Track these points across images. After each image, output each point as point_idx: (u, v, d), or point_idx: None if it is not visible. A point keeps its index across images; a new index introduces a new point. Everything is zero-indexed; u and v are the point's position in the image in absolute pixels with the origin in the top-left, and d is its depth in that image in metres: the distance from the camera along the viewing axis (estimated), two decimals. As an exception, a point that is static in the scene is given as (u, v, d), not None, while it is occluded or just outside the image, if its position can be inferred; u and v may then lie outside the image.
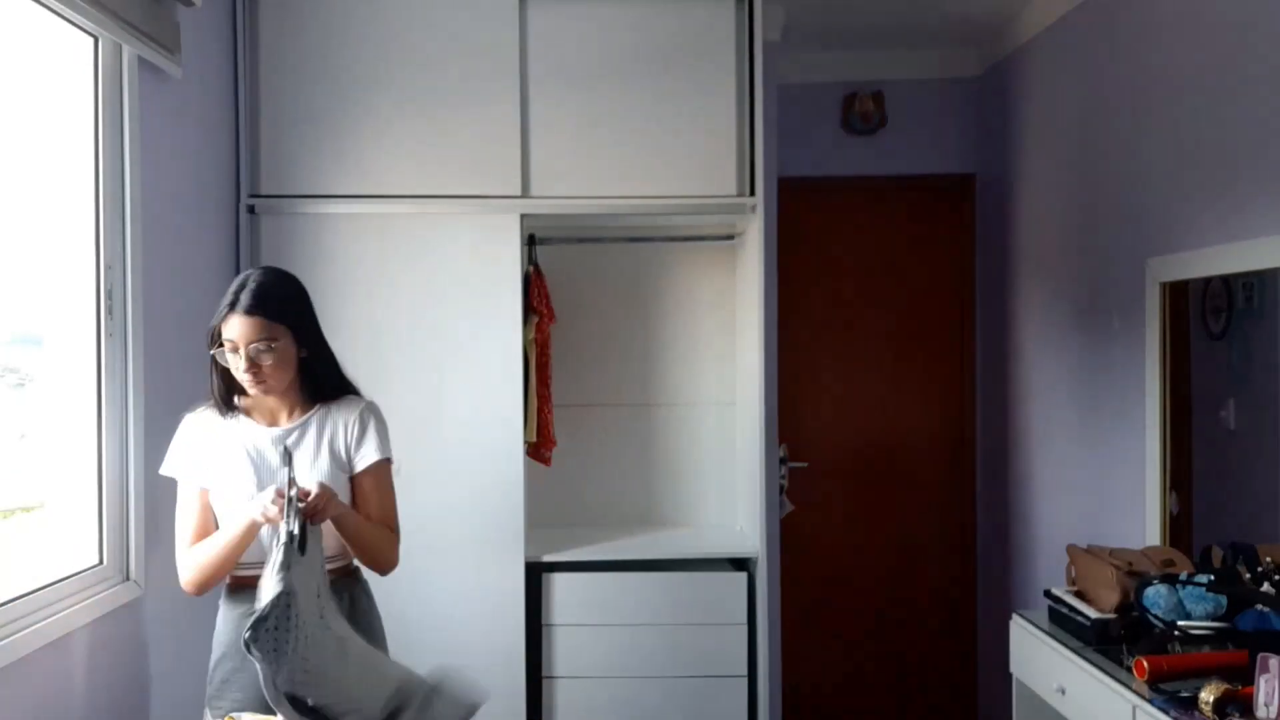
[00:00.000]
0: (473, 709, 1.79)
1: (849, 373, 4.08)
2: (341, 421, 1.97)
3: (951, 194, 4.06)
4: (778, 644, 3.63)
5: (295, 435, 1.95)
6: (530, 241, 3.18)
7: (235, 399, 1.96)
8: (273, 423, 1.97)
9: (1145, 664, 1.93)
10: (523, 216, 2.89)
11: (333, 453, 1.96)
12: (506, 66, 2.86)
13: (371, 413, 2.01)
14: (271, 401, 1.96)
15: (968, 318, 4.06)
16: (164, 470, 1.98)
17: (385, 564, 1.99)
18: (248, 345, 1.84)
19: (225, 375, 1.91)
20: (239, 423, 1.96)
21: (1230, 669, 1.91)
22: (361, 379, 2.80)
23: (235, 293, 1.86)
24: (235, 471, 1.92)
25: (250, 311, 1.84)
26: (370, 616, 2.06)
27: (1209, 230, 2.47)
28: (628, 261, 3.39)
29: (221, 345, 1.86)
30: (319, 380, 1.98)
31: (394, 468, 2.04)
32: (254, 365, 1.84)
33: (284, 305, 1.89)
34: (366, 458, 1.96)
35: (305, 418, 1.97)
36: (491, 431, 2.86)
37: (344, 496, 1.92)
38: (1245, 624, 2.08)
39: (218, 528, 1.93)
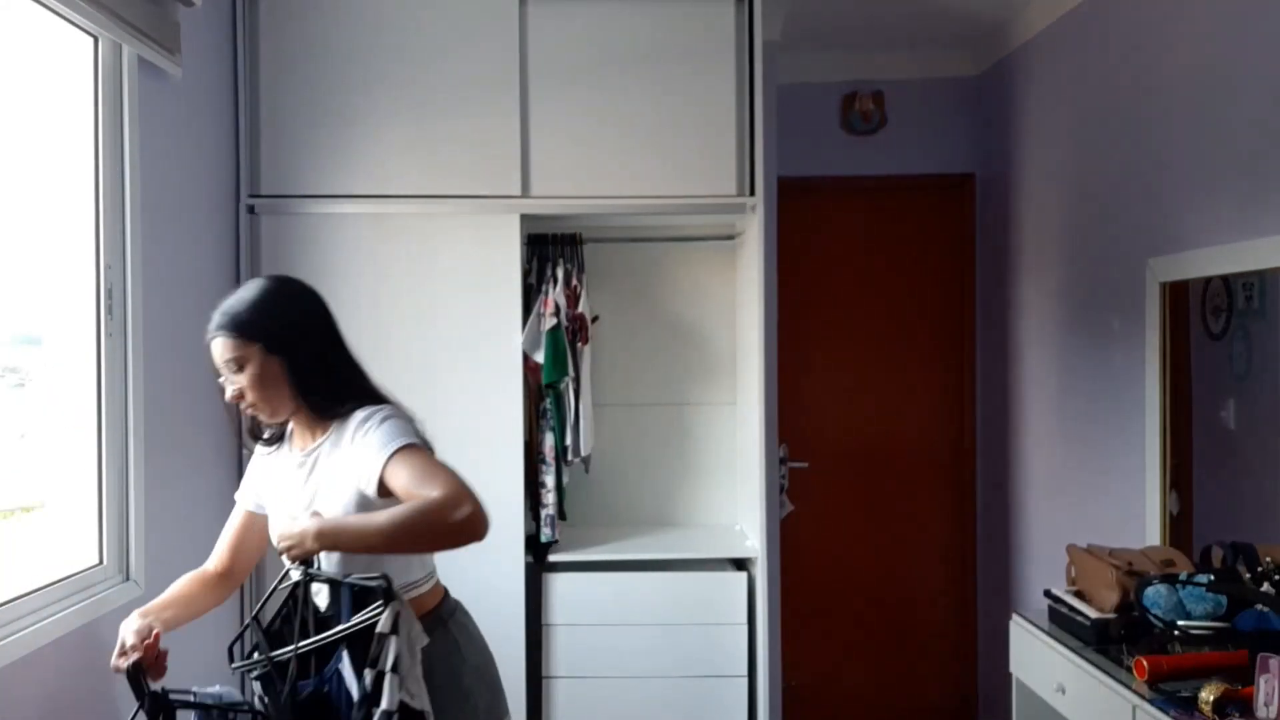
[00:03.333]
0: None
1: (849, 373, 4.08)
2: (348, 440, 1.70)
3: (951, 194, 4.06)
4: (778, 644, 3.63)
5: (311, 461, 1.76)
6: (572, 241, 3.15)
7: (267, 429, 1.84)
8: (304, 447, 1.79)
9: (1145, 664, 1.93)
10: (523, 217, 2.89)
11: (351, 475, 1.68)
12: (506, 66, 2.87)
13: (373, 417, 1.70)
14: (301, 422, 1.78)
15: (968, 317, 4.06)
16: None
17: (448, 531, 1.57)
18: (224, 368, 1.71)
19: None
20: (287, 449, 1.82)
21: (1230, 669, 1.91)
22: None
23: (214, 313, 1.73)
24: (277, 496, 1.81)
25: (216, 333, 1.70)
26: (449, 662, 1.77)
27: (1209, 230, 2.47)
28: (627, 261, 3.39)
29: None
30: (320, 397, 1.74)
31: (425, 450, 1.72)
32: (236, 393, 1.71)
33: (254, 320, 1.69)
34: (380, 458, 1.64)
35: (319, 441, 1.76)
36: (491, 431, 2.86)
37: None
38: (1245, 624, 2.08)
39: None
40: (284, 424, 1.82)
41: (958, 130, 4.02)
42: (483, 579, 2.86)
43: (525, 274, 3.02)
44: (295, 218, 2.84)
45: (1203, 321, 2.55)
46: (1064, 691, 2.19)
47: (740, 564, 3.04)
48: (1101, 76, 3.03)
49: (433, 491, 1.58)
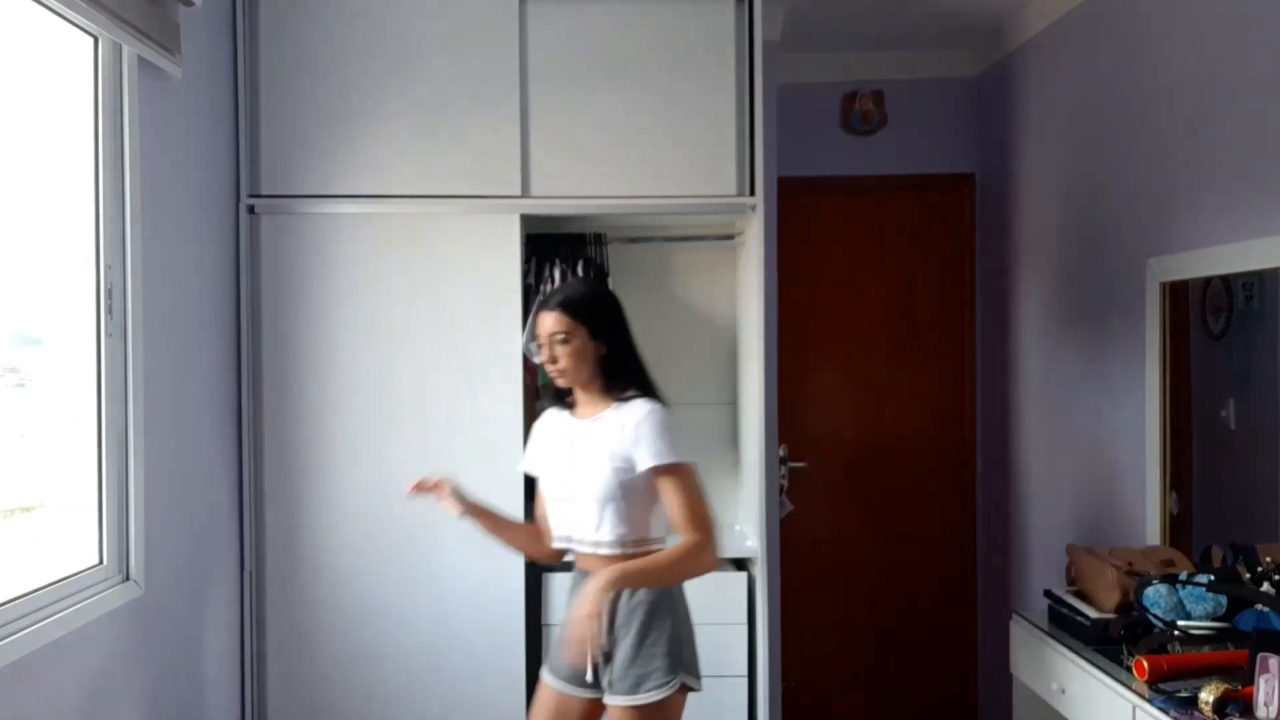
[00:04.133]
0: None
1: (849, 372, 4.08)
2: (622, 424, 2.10)
3: (951, 194, 4.06)
4: (778, 644, 3.63)
5: (585, 428, 2.16)
6: (569, 241, 3.13)
7: (570, 394, 2.23)
8: (585, 416, 2.19)
9: (1145, 664, 1.93)
10: (523, 217, 2.89)
11: (610, 454, 2.09)
12: (506, 66, 2.86)
13: (651, 419, 2.08)
14: (585, 397, 2.19)
15: (967, 317, 4.06)
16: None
17: (697, 572, 2.07)
18: (549, 337, 2.12)
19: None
20: (566, 414, 2.24)
21: (1230, 669, 1.91)
22: (360, 379, 2.84)
23: (547, 295, 2.20)
24: (548, 453, 2.24)
25: (554, 309, 2.12)
26: (647, 627, 2.08)
27: (1209, 230, 2.47)
28: (628, 261, 3.39)
29: (535, 340, 2.18)
30: (613, 379, 2.16)
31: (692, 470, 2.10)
32: (551, 356, 2.12)
33: (583, 306, 2.14)
34: (642, 463, 2.06)
35: (600, 414, 2.15)
36: (490, 431, 2.86)
37: (614, 496, 2.08)
38: (1245, 624, 2.08)
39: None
40: (570, 392, 2.21)
41: (958, 130, 4.02)
42: (483, 579, 2.86)
43: (524, 274, 3.02)
44: (295, 218, 2.84)
45: (1203, 321, 2.55)
46: (1064, 692, 2.19)
47: (740, 564, 3.04)
48: (1101, 76, 3.03)
49: (694, 534, 2.04)
